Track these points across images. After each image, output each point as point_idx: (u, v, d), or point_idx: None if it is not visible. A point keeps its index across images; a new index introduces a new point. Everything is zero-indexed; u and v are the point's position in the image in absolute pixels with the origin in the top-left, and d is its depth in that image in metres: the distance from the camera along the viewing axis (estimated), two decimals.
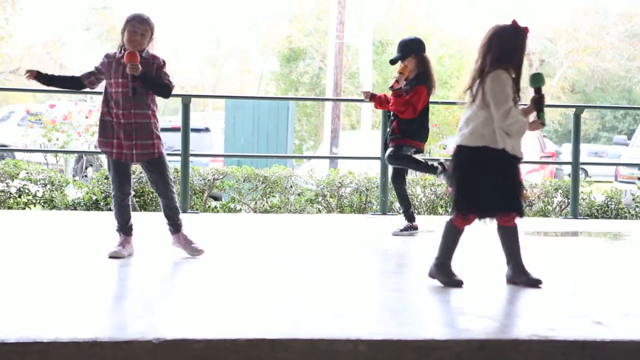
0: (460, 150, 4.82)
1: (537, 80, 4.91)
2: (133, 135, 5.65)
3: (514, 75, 4.79)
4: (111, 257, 5.71)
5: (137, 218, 8.71)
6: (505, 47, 4.78)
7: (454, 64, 33.46)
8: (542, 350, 3.65)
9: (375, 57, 29.90)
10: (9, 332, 3.55)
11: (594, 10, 36.71)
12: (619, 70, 36.70)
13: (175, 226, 5.99)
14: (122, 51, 5.71)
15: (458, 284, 4.89)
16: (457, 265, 6.01)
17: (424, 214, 10.05)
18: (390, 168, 7.68)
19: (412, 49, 7.38)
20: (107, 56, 5.82)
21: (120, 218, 5.90)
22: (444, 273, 4.94)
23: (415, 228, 7.53)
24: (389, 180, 7.56)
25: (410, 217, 7.54)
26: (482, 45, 4.85)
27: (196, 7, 38.35)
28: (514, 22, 4.89)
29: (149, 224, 8.22)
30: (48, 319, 3.88)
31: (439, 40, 33.82)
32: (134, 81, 5.60)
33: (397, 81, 7.38)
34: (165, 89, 5.66)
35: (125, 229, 5.90)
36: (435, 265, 4.99)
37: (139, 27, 5.68)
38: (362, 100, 7.95)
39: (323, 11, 32.29)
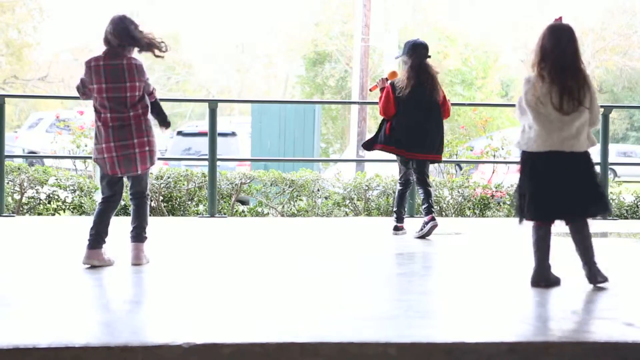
0: (581, 155, 4.90)
1: None
2: None
3: None
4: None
5: (165, 223, 8.78)
6: (577, 47, 4.90)
7: (480, 64, 33.32)
8: (574, 352, 3.62)
9: None
10: (40, 337, 3.58)
11: (621, 10, 36.42)
12: None
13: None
14: None
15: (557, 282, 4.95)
16: (486, 267, 5.99)
17: (452, 216, 10.02)
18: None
19: (403, 51, 7.54)
20: None
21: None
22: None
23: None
24: (415, 183, 7.61)
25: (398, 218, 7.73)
26: (562, 47, 4.85)
27: (221, 12, 38.50)
28: (560, 19, 4.94)
29: (176, 229, 8.26)
30: (79, 324, 3.91)
31: (464, 41, 33.70)
32: None
33: (376, 84, 7.71)
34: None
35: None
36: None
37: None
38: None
39: (348, 14, 32.27)
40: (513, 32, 36.02)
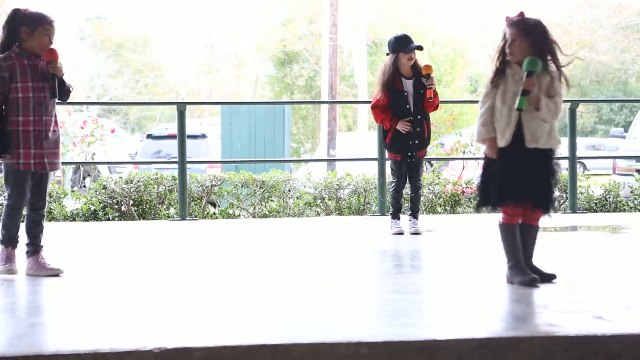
0: None
1: (528, 64, 4.84)
2: (44, 143, 5.35)
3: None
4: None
5: (135, 227, 8.74)
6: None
7: (448, 61, 33.47)
8: (544, 346, 3.65)
9: (369, 58, 29.91)
10: (9, 346, 3.55)
11: (587, 4, 36.73)
12: (613, 62, 36.71)
13: (36, 246, 5.48)
14: (23, 52, 5.32)
15: (534, 280, 4.82)
16: (457, 264, 6.02)
17: (423, 213, 10.05)
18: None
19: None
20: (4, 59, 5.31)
21: (15, 229, 5.49)
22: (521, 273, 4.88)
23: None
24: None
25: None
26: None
27: (189, 13, 38.35)
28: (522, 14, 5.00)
29: (146, 233, 8.23)
30: (48, 331, 3.88)
31: (431, 38, 33.83)
32: (53, 81, 5.31)
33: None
34: (68, 94, 5.44)
35: (15, 241, 5.51)
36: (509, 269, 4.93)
37: (51, 31, 5.35)
38: (358, 102, 7.98)
39: (316, 14, 32.28)
40: (481, 29, 36.19)
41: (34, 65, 5.35)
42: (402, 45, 7.43)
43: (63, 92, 5.42)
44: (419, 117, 7.47)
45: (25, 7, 5.41)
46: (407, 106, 7.42)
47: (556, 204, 4.99)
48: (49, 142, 5.38)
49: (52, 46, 5.36)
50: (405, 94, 7.42)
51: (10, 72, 5.29)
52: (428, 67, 7.43)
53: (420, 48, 7.51)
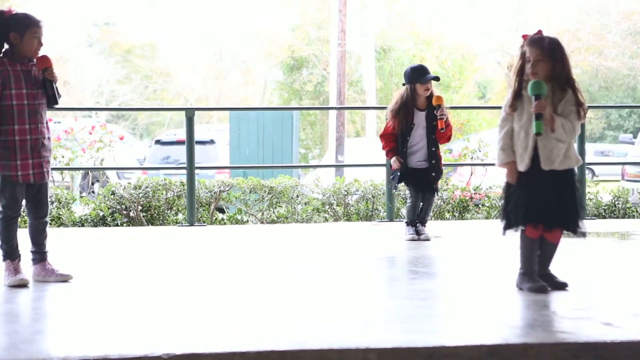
0: None
1: (533, 88, 4.82)
2: (41, 151, 5.26)
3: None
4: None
5: (144, 233, 8.75)
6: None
7: (456, 67, 33.45)
8: (553, 353, 3.64)
9: (378, 64, 29.90)
10: (17, 352, 3.55)
11: (596, 10, 36.67)
12: (622, 68, 36.62)
13: (42, 254, 5.46)
14: (15, 57, 5.19)
15: (543, 288, 4.83)
16: (466, 271, 6.01)
17: (431, 219, 10.04)
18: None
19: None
20: None
21: (14, 241, 5.42)
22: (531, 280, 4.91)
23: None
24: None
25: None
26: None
27: (198, 19, 38.43)
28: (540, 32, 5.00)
29: (155, 239, 8.24)
30: (56, 337, 3.88)
31: (440, 44, 33.83)
32: (52, 89, 5.22)
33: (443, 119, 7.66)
34: (57, 100, 5.31)
35: (17, 252, 5.44)
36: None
37: (39, 33, 5.23)
38: (366, 108, 7.97)
39: (324, 20, 32.30)
40: (489, 35, 36.17)
41: (27, 72, 5.24)
42: (418, 75, 7.38)
43: (56, 97, 5.32)
44: (433, 149, 7.47)
45: (8, 8, 5.28)
46: (408, 138, 7.43)
47: (583, 222, 4.93)
48: (45, 149, 5.31)
49: (43, 51, 5.27)
50: (413, 126, 7.40)
51: (3, 78, 5.16)
52: (439, 98, 7.39)
53: (437, 79, 7.47)
